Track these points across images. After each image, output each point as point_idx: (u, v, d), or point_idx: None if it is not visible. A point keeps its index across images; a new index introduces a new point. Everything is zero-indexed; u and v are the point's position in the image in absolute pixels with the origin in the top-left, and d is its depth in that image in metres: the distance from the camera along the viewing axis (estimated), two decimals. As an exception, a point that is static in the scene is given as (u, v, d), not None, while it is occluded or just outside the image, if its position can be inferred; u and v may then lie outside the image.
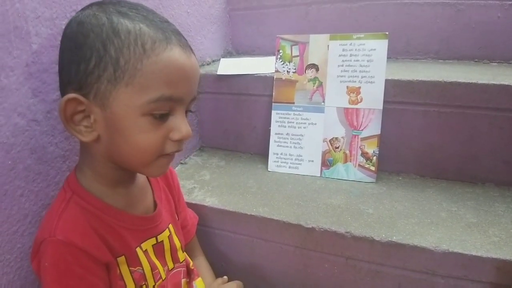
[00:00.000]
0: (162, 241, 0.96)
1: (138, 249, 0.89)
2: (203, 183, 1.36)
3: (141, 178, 0.96)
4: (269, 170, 1.44)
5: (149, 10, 0.79)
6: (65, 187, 0.84)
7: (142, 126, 0.75)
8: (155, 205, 0.98)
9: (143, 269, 0.89)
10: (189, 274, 1.08)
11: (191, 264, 1.10)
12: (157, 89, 0.74)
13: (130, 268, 0.87)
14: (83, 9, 0.78)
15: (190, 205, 1.21)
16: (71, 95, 0.74)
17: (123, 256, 0.85)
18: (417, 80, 1.24)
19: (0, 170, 0.80)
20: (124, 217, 0.87)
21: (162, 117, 0.77)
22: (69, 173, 0.87)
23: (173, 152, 0.81)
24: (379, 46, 1.29)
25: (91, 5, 0.78)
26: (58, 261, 0.75)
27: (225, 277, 1.18)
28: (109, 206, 0.84)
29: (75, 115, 0.76)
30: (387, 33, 1.28)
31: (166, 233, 0.97)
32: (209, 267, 1.20)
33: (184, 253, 1.07)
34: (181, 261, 1.04)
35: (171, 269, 1.00)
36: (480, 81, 1.19)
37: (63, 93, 0.79)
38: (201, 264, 1.19)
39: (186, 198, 1.22)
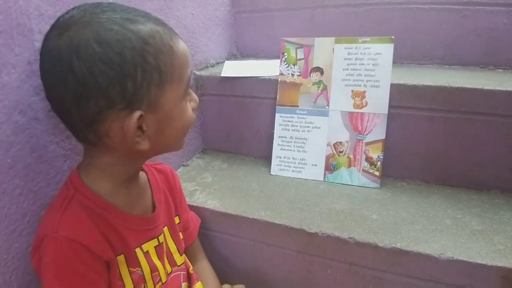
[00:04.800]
0: (163, 242, 0.96)
1: (137, 250, 0.88)
2: (205, 186, 1.35)
3: (141, 178, 0.97)
4: (272, 173, 1.43)
5: (127, 6, 0.81)
6: (67, 185, 0.84)
7: (185, 107, 0.85)
8: (154, 206, 0.97)
9: (142, 271, 0.89)
10: (189, 278, 1.07)
11: (190, 268, 1.09)
12: (185, 75, 0.82)
13: (129, 268, 0.86)
14: (74, 29, 0.72)
15: (192, 208, 1.20)
16: (138, 113, 0.74)
17: (123, 255, 0.85)
18: (422, 85, 1.23)
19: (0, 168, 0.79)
20: (125, 217, 0.86)
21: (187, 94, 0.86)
22: (71, 172, 0.86)
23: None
24: (385, 50, 1.28)
25: (74, 24, 0.73)
26: (59, 257, 0.75)
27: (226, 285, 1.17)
28: (111, 205, 0.84)
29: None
30: (393, 37, 1.27)
31: (162, 235, 0.97)
32: (213, 272, 1.19)
33: (184, 256, 1.07)
34: (178, 264, 1.04)
35: (170, 273, 1.00)
36: (486, 87, 1.18)
37: (89, 122, 0.75)
38: (204, 268, 1.18)
39: (188, 200, 1.21)
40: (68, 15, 0.75)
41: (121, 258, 0.85)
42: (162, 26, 0.78)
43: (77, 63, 0.70)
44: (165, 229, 1.00)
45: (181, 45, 0.81)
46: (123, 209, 0.86)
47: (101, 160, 0.83)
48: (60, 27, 0.74)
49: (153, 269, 0.92)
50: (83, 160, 0.87)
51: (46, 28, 0.84)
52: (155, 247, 0.93)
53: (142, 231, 0.90)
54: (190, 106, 0.87)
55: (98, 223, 0.81)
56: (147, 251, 0.91)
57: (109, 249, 0.81)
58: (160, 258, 0.95)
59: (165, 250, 0.98)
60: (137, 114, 0.74)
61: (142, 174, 0.98)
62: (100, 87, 0.71)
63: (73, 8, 0.77)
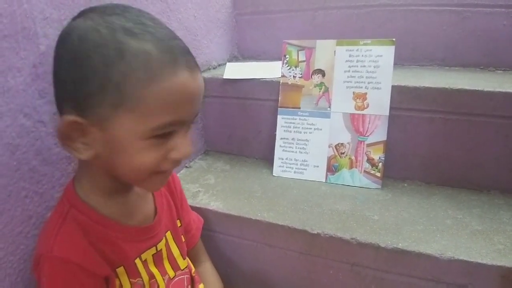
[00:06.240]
0: (161, 249, 0.95)
1: (137, 260, 0.88)
2: (208, 187, 1.36)
3: None
4: (274, 175, 1.44)
5: (156, 21, 0.74)
6: (63, 199, 0.83)
7: (143, 148, 0.72)
8: (156, 212, 0.96)
9: (142, 281, 0.89)
10: (192, 281, 1.07)
11: (193, 270, 1.08)
12: (161, 115, 0.70)
13: (130, 279, 0.86)
14: (83, 17, 0.73)
15: (195, 209, 1.21)
16: (71, 118, 0.70)
17: (122, 267, 0.85)
18: (423, 86, 1.24)
19: (5, 171, 0.80)
20: (122, 229, 0.85)
21: (164, 139, 0.74)
22: (68, 184, 0.86)
23: (168, 170, 0.79)
24: (386, 52, 1.29)
25: (91, 11, 0.73)
26: (55, 278, 0.75)
27: None
28: (107, 218, 0.83)
29: (72, 132, 0.73)
30: (394, 39, 1.28)
31: (163, 241, 0.96)
32: (216, 275, 1.18)
33: (187, 259, 1.06)
34: (182, 268, 1.02)
35: (173, 277, 0.99)
36: (486, 89, 1.19)
37: (59, 106, 0.77)
38: (207, 271, 1.17)
39: (191, 201, 1.22)
40: (98, 6, 0.76)
41: (121, 270, 0.84)
42: (165, 53, 0.70)
43: (60, 49, 0.73)
44: (168, 234, 0.99)
45: (177, 82, 0.70)
46: (120, 220, 0.85)
47: (87, 171, 0.82)
48: (80, 13, 0.76)
49: (151, 276, 0.91)
50: (77, 171, 0.87)
51: (51, 31, 0.86)
52: (152, 255, 0.92)
53: (141, 241, 0.89)
54: (168, 154, 0.75)
55: (93, 238, 0.80)
56: (145, 260, 0.90)
57: (106, 265, 0.81)
58: (157, 265, 0.94)
59: (166, 255, 0.97)
60: (70, 117, 0.70)
61: None
62: (60, 77, 0.74)
63: (111, 3, 0.77)
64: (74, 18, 0.75)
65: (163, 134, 0.73)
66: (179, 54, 0.71)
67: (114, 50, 0.67)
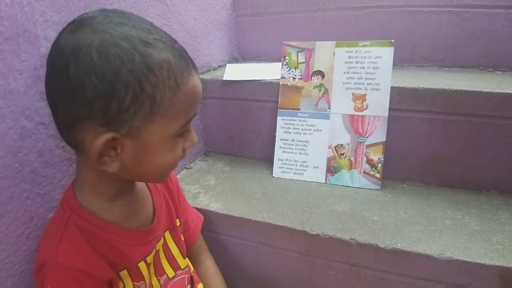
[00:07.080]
0: (159, 250, 0.95)
1: (141, 264, 0.88)
2: (208, 188, 1.36)
3: (140, 186, 0.94)
4: (274, 176, 1.44)
5: (151, 24, 0.75)
6: (63, 206, 0.82)
7: (170, 147, 0.78)
8: (154, 212, 0.95)
9: (146, 284, 0.89)
10: (192, 280, 1.07)
11: (191, 270, 1.08)
12: (185, 115, 0.77)
13: (134, 282, 0.86)
14: (85, 30, 0.69)
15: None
16: (110, 135, 0.70)
17: (126, 270, 0.85)
18: (422, 87, 1.24)
19: (7, 172, 0.81)
20: (124, 233, 0.85)
21: (183, 134, 0.80)
22: (66, 189, 0.85)
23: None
24: (385, 54, 1.29)
25: (91, 22, 0.70)
26: (60, 285, 0.75)
27: None
28: (108, 222, 0.83)
29: (106, 148, 0.72)
30: (393, 40, 1.28)
31: (161, 241, 0.96)
32: (219, 275, 1.17)
33: (187, 259, 1.06)
34: (182, 267, 1.03)
35: (172, 277, 0.99)
36: (485, 89, 1.19)
37: (69, 124, 0.73)
38: (208, 271, 1.16)
39: (191, 203, 1.22)
40: (90, 15, 0.72)
41: (124, 273, 0.85)
42: (180, 59, 0.74)
43: (73, 66, 0.67)
44: (167, 233, 0.99)
45: (193, 84, 0.76)
46: (121, 224, 0.85)
47: (88, 175, 0.81)
48: (77, 24, 0.71)
49: (151, 279, 0.92)
50: (76, 176, 0.85)
51: (52, 34, 0.86)
52: (153, 256, 0.93)
53: (143, 244, 0.89)
54: (182, 145, 0.81)
55: (96, 244, 0.80)
56: (150, 263, 0.91)
57: (110, 269, 0.81)
58: (155, 266, 0.94)
59: (164, 255, 0.97)
60: (108, 135, 0.70)
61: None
62: (85, 97, 0.68)
63: (100, 10, 0.74)
64: (73, 31, 0.70)
65: (183, 131, 0.80)
66: (187, 58, 0.77)
67: (142, 64, 0.69)
